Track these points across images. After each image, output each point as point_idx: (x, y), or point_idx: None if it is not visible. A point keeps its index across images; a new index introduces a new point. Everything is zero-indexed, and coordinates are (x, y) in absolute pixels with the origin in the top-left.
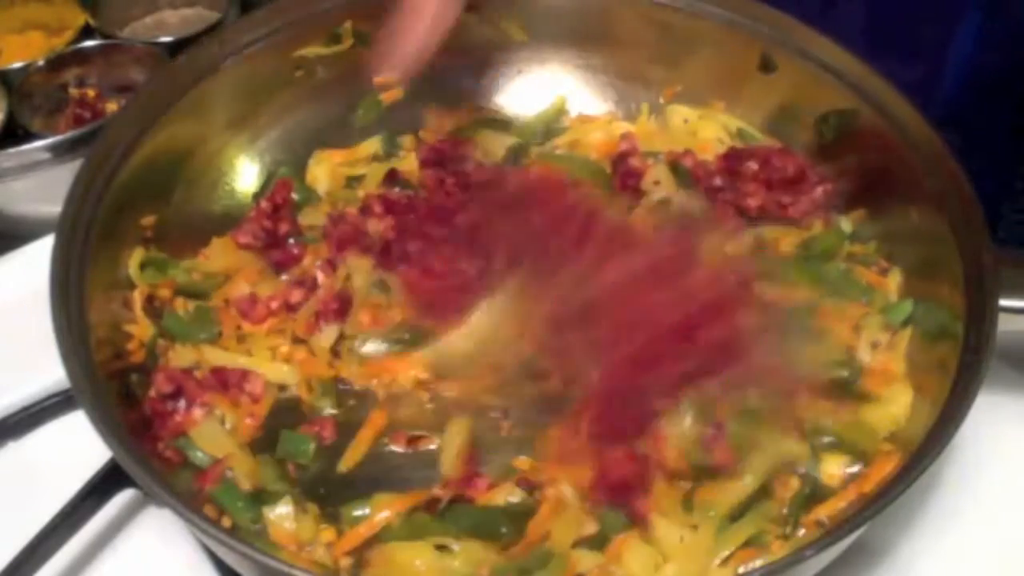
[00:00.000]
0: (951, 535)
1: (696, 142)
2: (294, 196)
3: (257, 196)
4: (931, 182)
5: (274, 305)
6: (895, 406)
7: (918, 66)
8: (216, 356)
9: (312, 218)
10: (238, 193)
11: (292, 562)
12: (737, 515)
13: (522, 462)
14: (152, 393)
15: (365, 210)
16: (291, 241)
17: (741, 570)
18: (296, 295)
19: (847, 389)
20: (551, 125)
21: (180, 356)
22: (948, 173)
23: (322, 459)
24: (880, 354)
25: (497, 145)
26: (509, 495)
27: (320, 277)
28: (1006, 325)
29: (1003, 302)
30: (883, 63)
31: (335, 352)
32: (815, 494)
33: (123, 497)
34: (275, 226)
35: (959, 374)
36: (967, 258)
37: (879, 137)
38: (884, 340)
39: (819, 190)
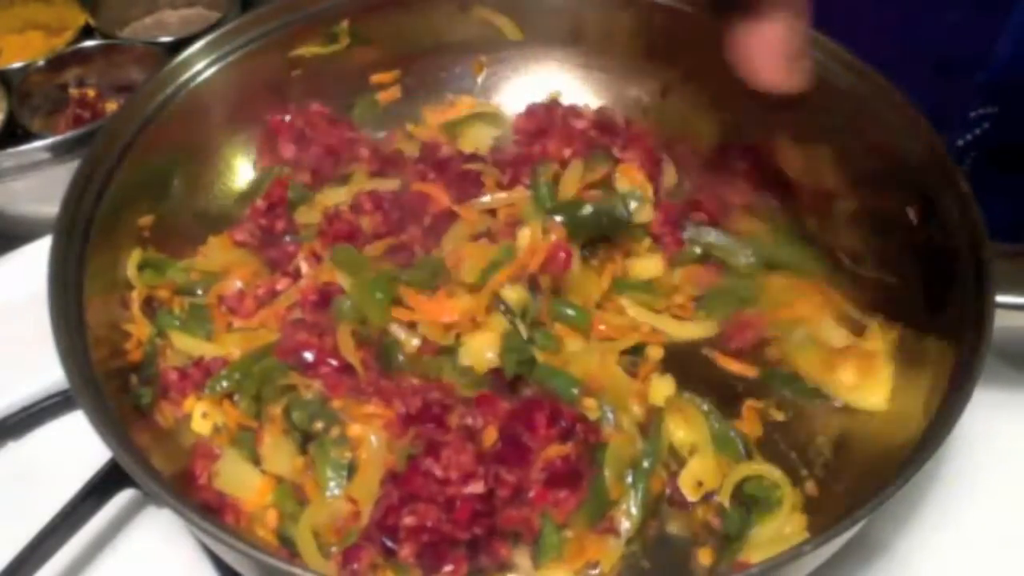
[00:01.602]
0: (948, 529)
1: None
2: (290, 194)
3: (253, 194)
4: (929, 178)
5: (260, 292)
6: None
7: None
8: (207, 349)
9: (308, 216)
10: (236, 193)
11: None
12: None
13: None
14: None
15: (355, 207)
16: (287, 239)
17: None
18: (282, 283)
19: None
20: None
21: (176, 354)
22: (946, 170)
23: None
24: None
25: (484, 136)
26: None
27: (304, 268)
28: (1003, 321)
29: (1000, 298)
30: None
31: None
32: None
33: (123, 497)
34: (271, 224)
35: (956, 370)
36: (965, 254)
37: (876, 134)
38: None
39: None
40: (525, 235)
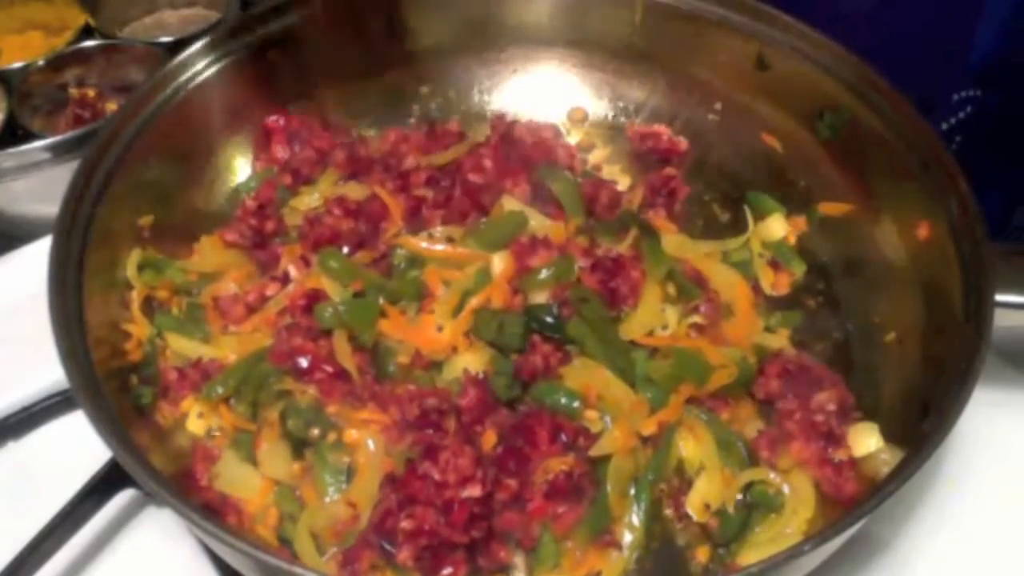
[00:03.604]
0: (948, 529)
1: None
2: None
3: (244, 195)
4: (928, 178)
5: (251, 299)
6: None
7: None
8: (204, 351)
9: (295, 217)
10: (235, 193)
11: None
12: None
13: None
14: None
15: (328, 212)
16: (277, 240)
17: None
18: (271, 289)
19: None
20: None
21: (176, 355)
22: (945, 169)
23: None
24: None
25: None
26: None
27: (293, 272)
28: (1003, 320)
29: (1000, 297)
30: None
31: None
32: None
33: (123, 497)
34: (261, 225)
35: (956, 369)
36: (964, 254)
37: (875, 134)
38: None
39: None
40: (497, 263)
